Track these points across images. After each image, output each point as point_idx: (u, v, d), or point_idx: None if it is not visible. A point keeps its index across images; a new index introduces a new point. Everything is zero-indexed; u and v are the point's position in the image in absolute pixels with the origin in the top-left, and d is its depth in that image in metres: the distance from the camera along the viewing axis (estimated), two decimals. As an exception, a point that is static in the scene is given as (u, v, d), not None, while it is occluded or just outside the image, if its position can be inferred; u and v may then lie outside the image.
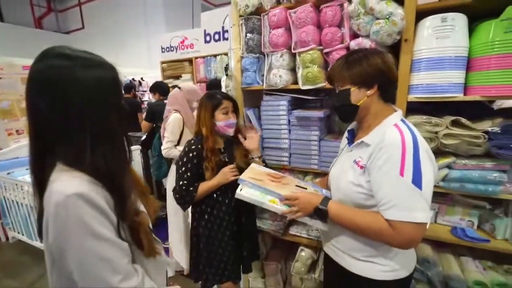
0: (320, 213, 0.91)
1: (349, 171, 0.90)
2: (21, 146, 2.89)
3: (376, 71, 0.85)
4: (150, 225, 0.80)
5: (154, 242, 0.74)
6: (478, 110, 1.28)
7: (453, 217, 1.37)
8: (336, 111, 1.00)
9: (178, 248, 2.06)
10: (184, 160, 1.27)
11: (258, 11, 1.41)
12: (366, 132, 0.90)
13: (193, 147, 1.27)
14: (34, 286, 2.24)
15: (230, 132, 1.29)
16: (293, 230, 1.64)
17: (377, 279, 0.89)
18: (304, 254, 1.62)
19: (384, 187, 0.79)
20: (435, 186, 1.22)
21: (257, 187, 1.02)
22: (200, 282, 1.39)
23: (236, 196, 1.04)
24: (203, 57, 3.79)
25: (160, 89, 2.99)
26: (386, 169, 0.78)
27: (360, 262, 0.92)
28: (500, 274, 1.23)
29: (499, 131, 1.07)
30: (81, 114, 0.58)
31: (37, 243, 2.59)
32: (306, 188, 1.06)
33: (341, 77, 0.90)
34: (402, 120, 0.86)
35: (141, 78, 5.99)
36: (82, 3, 8.20)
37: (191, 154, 1.26)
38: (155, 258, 0.73)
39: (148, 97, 5.66)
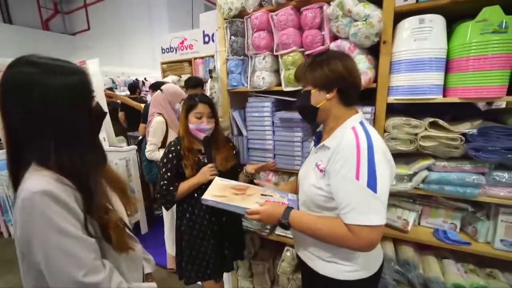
0: (283, 225, 0.91)
1: (312, 173, 0.92)
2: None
3: (336, 75, 0.86)
4: (126, 222, 0.83)
5: (128, 238, 0.75)
6: (466, 110, 1.28)
7: (436, 220, 1.36)
8: (298, 110, 1.02)
9: (173, 245, 2.10)
10: (165, 161, 1.30)
11: (241, 14, 1.43)
12: (328, 135, 0.92)
13: (172, 148, 1.30)
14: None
15: (201, 136, 1.31)
16: (279, 230, 1.65)
17: (341, 279, 0.91)
18: (290, 254, 1.63)
19: (342, 191, 0.81)
20: (415, 188, 1.25)
21: (222, 204, 1.03)
22: (183, 279, 1.42)
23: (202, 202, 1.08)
24: (202, 57, 3.82)
25: (157, 87, 3.03)
26: (343, 173, 0.80)
27: (325, 263, 0.94)
28: (481, 277, 1.22)
29: (476, 133, 1.06)
30: (44, 118, 0.62)
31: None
32: (272, 196, 1.07)
33: (303, 78, 0.93)
34: (360, 123, 0.87)
35: (144, 78, 6.08)
36: (87, 5, 8.35)
37: (170, 155, 1.29)
38: (128, 254, 0.75)
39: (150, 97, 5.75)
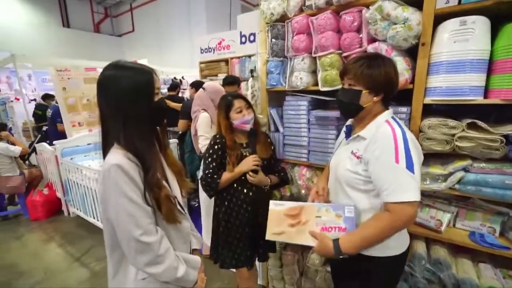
0: (337, 253, 0.95)
1: (347, 160, 1.03)
2: (81, 136, 3.39)
3: (388, 80, 0.96)
4: (179, 200, 0.99)
5: (177, 213, 0.91)
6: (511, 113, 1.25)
7: (473, 222, 1.34)
8: (341, 105, 1.08)
9: (208, 234, 2.26)
10: (210, 151, 1.44)
11: (282, 18, 1.53)
12: (361, 128, 1.03)
13: (217, 140, 1.44)
14: (88, 253, 2.66)
15: (247, 127, 1.42)
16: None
17: (381, 256, 1.02)
18: (319, 246, 1.70)
19: (383, 174, 0.91)
20: (451, 188, 1.25)
21: (284, 242, 1.10)
22: (218, 263, 1.54)
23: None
24: (238, 57, 3.98)
25: (197, 86, 3.23)
26: (383, 159, 0.91)
27: None
28: (520, 283, 1.20)
29: (518, 136, 1.05)
30: (117, 107, 0.80)
31: (91, 219, 3.04)
32: (326, 218, 1.04)
33: (358, 77, 0.97)
34: (392, 118, 1.00)
35: (182, 77, 6.44)
36: (133, 8, 9.04)
37: (216, 147, 1.43)
38: (177, 226, 0.91)
39: (188, 95, 6.08)
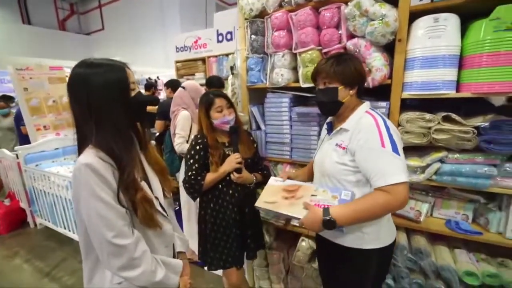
0: (327, 224, 0.92)
1: (333, 153, 1.06)
2: (47, 140, 3.14)
3: (359, 74, 1.03)
4: (161, 201, 0.94)
5: (156, 215, 0.86)
6: (480, 106, 1.32)
7: (448, 211, 1.41)
8: (321, 105, 1.12)
9: (190, 237, 2.20)
10: (192, 152, 1.39)
11: (262, 14, 1.51)
12: (342, 122, 1.06)
13: (199, 140, 1.39)
14: (59, 267, 2.46)
15: (226, 127, 1.39)
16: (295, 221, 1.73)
17: (366, 248, 1.04)
18: (305, 244, 1.71)
19: (371, 160, 0.94)
20: (428, 180, 1.31)
21: (272, 212, 1.07)
22: (206, 265, 1.50)
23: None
24: (216, 56, 3.92)
25: (173, 86, 3.12)
26: (369, 146, 0.94)
27: (352, 235, 1.05)
28: (492, 266, 1.27)
29: (488, 127, 1.11)
30: (88, 106, 0.76)
31: (61, 229, 2.82)
32: (322, 197, 1.04)
33: (331, 76, 1.03)
34: (371, 109, 1.06)
35: (157, 77, 6.22)
36: (102, 5, 8.58)
37: (198, 147, 1.38)
38: (156, 230, 0.86)
39: (163, 95, 5.88)
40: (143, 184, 0.86)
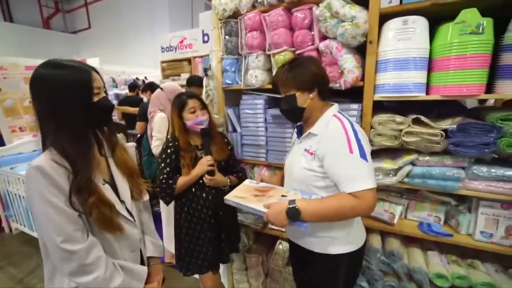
0: (292, 214, 0.90)
1: (301, 158, 1.04)
2: (23, 142, 3.03)
3: (315, 76, 1.01)
4: (128, 204, 0.92)
5: (116, 218, 0.83)
6: (453, 108, 1.33)
7: (421, 213, 1.42)
8: (284, 114, 1.11)
9: (170, 240, 2.16)
10: (163, 156, 1.35)
11: (235, 14, 1.48)
12: (310, 126, 1.05)
13: (170, 144, 1.35)
14: (33, 273, 2.37)
15: (199, 129, 1.36)
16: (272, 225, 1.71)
17: (334, 254, 1.03)
18: (282, 247, 1.69)
19: (339, 166, 0.93)
20: (401, 182, 1.30)
21: (240, 205, 1.06)
22: (182, 271, 1.47)
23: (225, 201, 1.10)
24: (201, 56, 3.88)
25: (151, 88, 3.08)
26: (336, 150, 0.93)
27: (320, 240, 1.04)
28: (462, 267, 1.28)
29: (455, 129, 1.12)
30: (48, 108, 0.74)
31: (37, 234, 2.72)
32: (293, 198, 0.98)
33: (286, 84, 1.03)
34: (339, 112, 1.04)
35: (145, 77, 6.12)
36: (88, 3, 8.39)
37: (169, 150, 1.35)
38: (116, 234, 0.84)
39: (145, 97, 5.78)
40: (105, 187, 0.84)
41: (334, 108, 1.05)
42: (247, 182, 1.25)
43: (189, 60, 4.10)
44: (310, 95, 1.01)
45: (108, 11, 8.02)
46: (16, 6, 7.93)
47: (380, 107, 1.34)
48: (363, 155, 0.90)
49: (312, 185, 1.02)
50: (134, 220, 0.94)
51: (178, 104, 1.37)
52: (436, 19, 1.17)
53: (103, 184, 0.84)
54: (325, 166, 0.96)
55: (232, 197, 1.10)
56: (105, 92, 0.86)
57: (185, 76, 4.05)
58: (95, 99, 0.80)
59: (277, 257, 1.72)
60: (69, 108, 0.75)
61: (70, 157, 0.75)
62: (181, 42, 4.19)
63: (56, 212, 0.72)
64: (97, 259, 0.77)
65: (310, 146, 1.01)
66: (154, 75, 5.90)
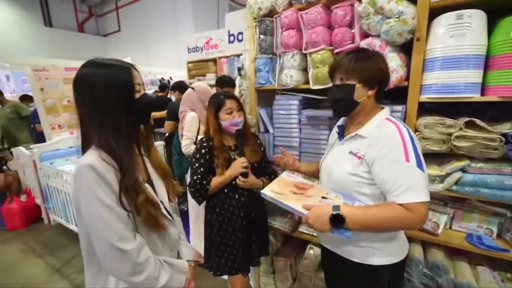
0: (335, 220, 0.84)
1: (346, 161, 0.96)
2: (62, 139, 3.22)
3: (381, 73, 0.93)
4: (166, 204, 0.93)
5: (161, 218, 0.84)
6: (508, 111, 1.21)
7: (470, 224, 1.30)
8: (334, 103, 1.02)
9: (197, 239, 2.18)
10: (197, 156, 1.35)
11: (271, 13, 1.45)
12: (356, 127, 0.97)
13: (204, 144, 1.35)
14: (69, 263, 2.51)
15: (234, 130, 1.34)
16: (303, 228, 1.66)
17: (374, 265, 0.96)
18: (313, 252, 1.64)
19: (393, 174, 0.85)
20: (447, 190, 1.21)
21: (276, 202, 1.00)
22: (211, 271, 1.47)
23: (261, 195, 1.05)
24: (227, 57, 3.90)
25: (180, 88, 3.13)
26: (391, 157, 0.85)
27: (359, 249, 0.98)
28: (519, 286, 1.16)
29: (517, 134, 1.01)
30: (92, 107, 0.75)
31: (73, 227, 2.88)
32: (333, 200, 0.96)
33: (349, 71, 0.92)
34: (391, 115, 0.95)
35: (170, 78, 6.29)
36: (119, 7, 8.79)
37: (203, 150, 1.34)
38: (161, 233, 0.85)
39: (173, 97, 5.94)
40: (147, 186, 0.85)
41: (386, 111, 0.97)
42: (284, 175, 1.18)
43: (214, 61, 4.14)
44: (369, 92, 0.93)
45: (136, 13, 8.35)
46: (55, 12, 8.49)
47: (422, 108, 1.25)
48: (419, 164, 0.83)
49: (355, 191, 0.96)
50: (173, 219, 0.94)
51: (216, 104, 1.36)
52: (495, 12, 1.06)
53: (144, 183, 0.85)
54: (374, 172, 0.89)
55: (269, 192, 1.03)
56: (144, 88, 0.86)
57: (210, 76, 4.09)
58: (137, 95, 0.81)
59: (308, 262, 1.66)
60: (113, 106, 0.75)
61: (117, 156, 0.75)
62: (207, 42, 4.24)
63: (109, 211, 0.71)
64: (147, 258, 0.78)
65: (358, 150, 0.93)
66: (178, 75, 6.05)
